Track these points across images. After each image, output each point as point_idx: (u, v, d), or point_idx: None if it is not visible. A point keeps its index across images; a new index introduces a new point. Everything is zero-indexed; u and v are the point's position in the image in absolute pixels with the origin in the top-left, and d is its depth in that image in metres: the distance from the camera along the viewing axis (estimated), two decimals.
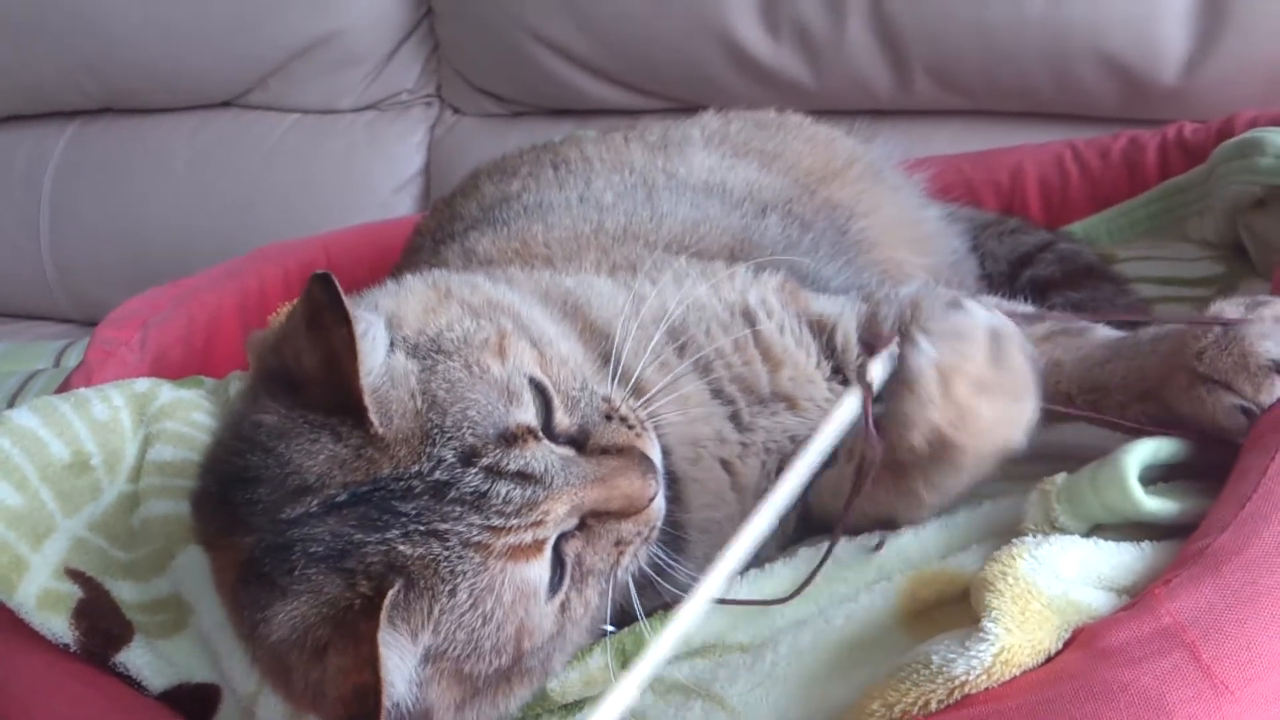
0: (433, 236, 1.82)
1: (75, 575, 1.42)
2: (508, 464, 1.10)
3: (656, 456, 1.21)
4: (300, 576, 1.07)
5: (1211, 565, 0.95)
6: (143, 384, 1.68)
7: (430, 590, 1.07)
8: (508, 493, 1.09)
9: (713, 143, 1.92)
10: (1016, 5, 2.43)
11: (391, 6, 3.25)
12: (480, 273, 1.43)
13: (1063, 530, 1.11)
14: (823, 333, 1.43)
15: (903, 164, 2.18)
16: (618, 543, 1.17)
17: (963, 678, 0.97)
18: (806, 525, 1.37)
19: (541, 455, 1.13)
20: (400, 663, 1.07)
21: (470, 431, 1.11)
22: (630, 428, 1.21)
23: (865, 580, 1.19)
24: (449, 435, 1.10)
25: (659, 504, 1.19)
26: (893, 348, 1.17)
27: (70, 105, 3.60)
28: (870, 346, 1.16)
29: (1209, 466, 1.12)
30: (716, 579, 1.04)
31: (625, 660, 1.21)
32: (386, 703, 1.01)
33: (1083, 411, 1.25)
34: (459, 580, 1.07)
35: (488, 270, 1.50)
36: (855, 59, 2.64)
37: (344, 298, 1.09)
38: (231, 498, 1.13)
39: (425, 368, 1.14)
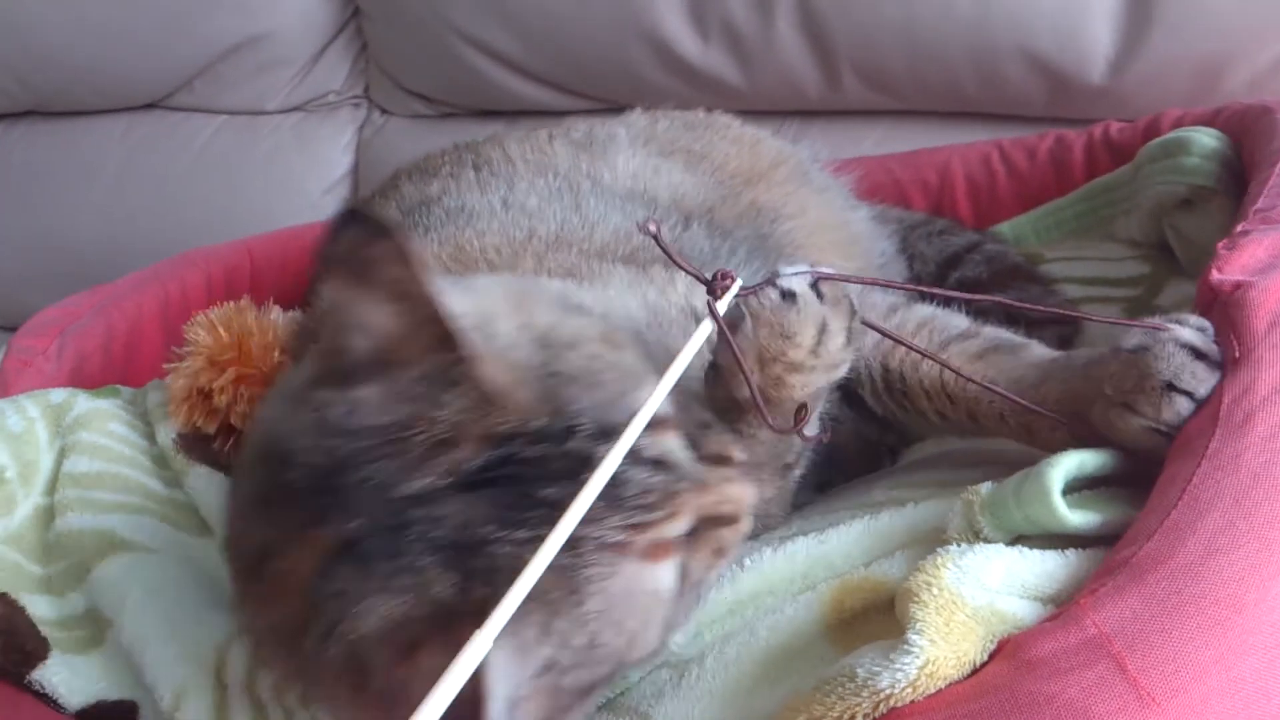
0: None
1: None
2: (646, 449, 0.98)
3: None
4: (406, 566, 0.93)
5: (1136, 575, 0.95)
6: (58, 394, 1.66)
7: (553, 602, 0.94)
8: (647, 480, 0.97)
9: (638, 142, 1.90)
10: (944, 4, 2.42)
11: (318, 7, 3.20)
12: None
13: (987, 540, 1.10)
14: None
15: (831, 165, 2.18)
16: (717, 550, 1.06)
17: (888, 691, 0.96)
18: None
19: (675, 444, 1.02)
20: (505, 677, 0.91)
21: (604, 405, 0.98)
22: (729, 438, 1.13)
23: (791, 590, 1.18)
24: (581, 402, 0.98)
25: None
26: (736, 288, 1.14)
27: None
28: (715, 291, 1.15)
29: (1136, 474, 1.12)
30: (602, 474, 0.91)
31: None
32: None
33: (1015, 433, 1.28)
34: (588, 586, 0.95)
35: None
36: (784, 58, 2.63)
37: (379, 217, 0.94)
38: (327, 485, 0.97)
39: (538, 348, 1.02)
